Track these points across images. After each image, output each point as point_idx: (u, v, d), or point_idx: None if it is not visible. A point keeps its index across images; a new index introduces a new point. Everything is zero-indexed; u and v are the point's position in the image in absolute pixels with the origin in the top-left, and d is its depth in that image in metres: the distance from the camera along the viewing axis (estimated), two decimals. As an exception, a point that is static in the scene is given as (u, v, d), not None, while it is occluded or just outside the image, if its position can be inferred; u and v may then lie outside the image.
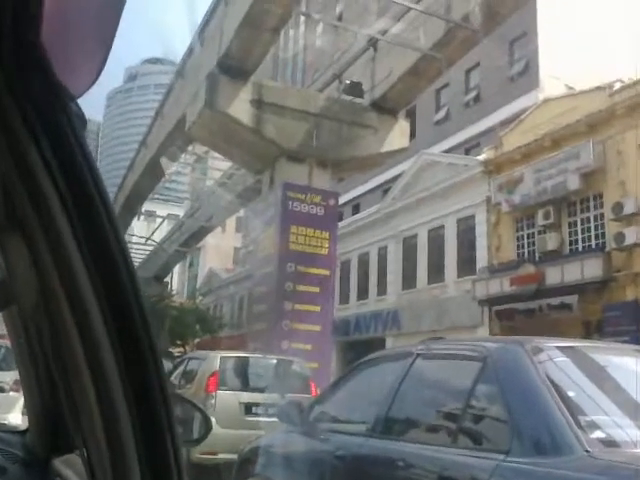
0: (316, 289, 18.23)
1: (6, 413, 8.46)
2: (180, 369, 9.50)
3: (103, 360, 0.70)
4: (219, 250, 45.47)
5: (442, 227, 23.05)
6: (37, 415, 1.34)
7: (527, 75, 23.83)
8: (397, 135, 19.50)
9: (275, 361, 9.37)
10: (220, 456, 7.38)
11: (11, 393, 8.69)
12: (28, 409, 1.39)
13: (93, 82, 0.71)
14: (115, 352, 0.70)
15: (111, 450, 0.69)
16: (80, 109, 0.72)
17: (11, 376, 8.86)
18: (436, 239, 23.33)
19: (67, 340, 0.72)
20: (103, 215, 0.72)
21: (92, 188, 0.71)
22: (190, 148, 28.84)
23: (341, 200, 24.70)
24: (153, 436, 0.70)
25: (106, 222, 0.72)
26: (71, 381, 0.76)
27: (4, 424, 7.61)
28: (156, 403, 0.71)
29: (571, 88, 20.98)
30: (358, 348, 23.63)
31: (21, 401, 8.52)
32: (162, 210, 48.74)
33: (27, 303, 0.79)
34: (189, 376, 9.05)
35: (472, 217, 21.70)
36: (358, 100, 18.78)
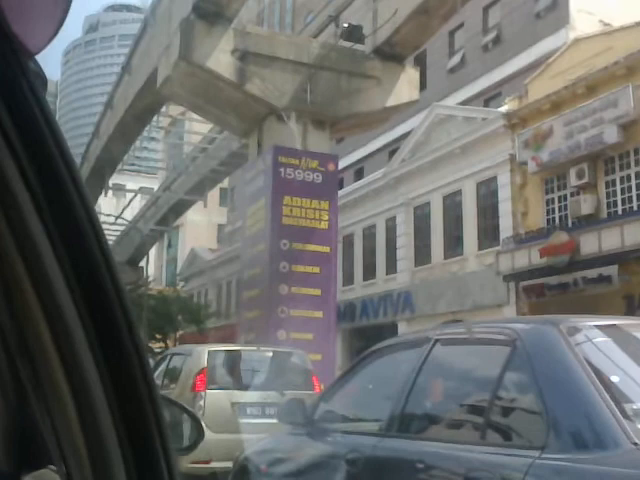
0: (316, 269, 18.28)
1: None
2: (162, 367, 9.55)
3: (80, 360, 0.69)
4: (201, 228, 45.52)
5: (459, 192, 23.06)
6: (2, 426, 1.35)
7: (555, 11, 23.56)
8: (405, 86, 19.37)
9: (271, 354, 9.42)
10: (213, 464, 7.46)
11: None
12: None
13: (53, 36, 0.70)
14: (93, 350, 0.70)
15: (94, 463, 0.69)
16: (40, 67, 0.71)
17: None
18: (452, 206, 23.35)
19: (36, 338, 0.71)
20: (71, 188, 0.71)
21: (58, 158, 0.70)
22: (164, 109, 28.68)
23: (341, 164, 24.54)
24: (142, 445, 0.70)
25: (75, 197, 0.71)
26: (43, 384, 0.75)
27: None
28: (144, 407, 0.71)
29: (607, 24, 20.79)
30: (366, 335, 23.80)
31: None
32: (133, 183, 48.72)
33: None
34: (173, 375, 9.11)
35: (494, 179, 21.70)
36: (358, 46, 18.64)
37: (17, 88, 0.68)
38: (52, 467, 1.29)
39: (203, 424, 1.74)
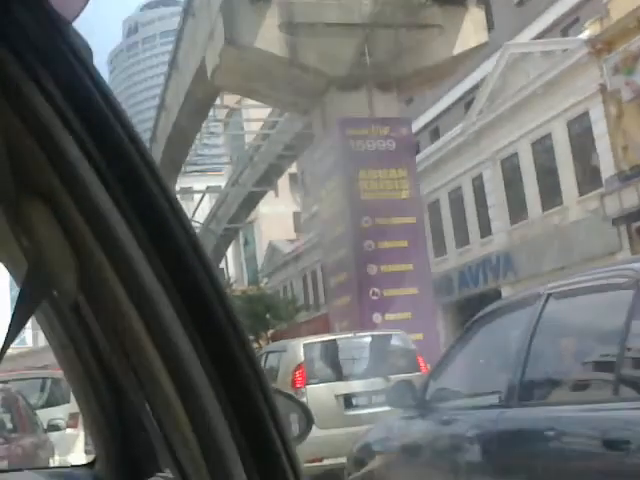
0: (404, 243, 18.31)
1: (65, 454, 8.67)
2: (258, 367, 9.73)
3: (184, 360, 0.68)
4: (276, 219, 46.00)
5: (549, 136, 22.50)
6: (104, 440, 1.38)
7: None
8: (470, 29, 19.10)
9: (370, 339, 9.55)
10: (326, 462, 7.59)
11: (68, 430, 8.87)
12: (92, 435, 1.43)
13: (86, 2, 0.69)
14: (197, 349, 0.68)
15: (212, 465, 0.68)
16: (80, 35, 0.70)
17: (65, 410, 9.03)
18: (544, 152, 22.81)
19: (133, 340, 0.70)
20: (145, 173, 0.69)
21: (123, 135, 0.68)
22: (218, 101, 29.12)
23: (414, 127, 24.26)
24: (261, 441, 0.69)
25: (151, 181, 0.69)
26: (147, 391, 0.75)
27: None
28: (256, 400, 0.69)
29: None
30: (468, 308, 23.41)
31: (81, 438, 8.87)
32: (199, 184, 49.67)
33: (69, 295, 0.78)
34: (270, 374, 9.27)
35: (586, 115, 21.05)
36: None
37: (64, 61, 0.66)
38: (161, 474, 1.33)
39: (311, 412, 1.76)
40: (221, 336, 0.69)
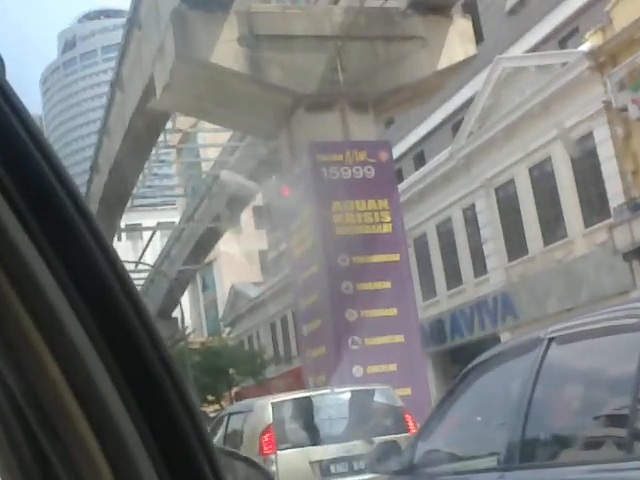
0: (387, 284, 18.28)
1: None
2: (220, 432, 9.65)
3: (118, 428, 0.69)
4: (239, 259, 45.99)
5: (548, 160, 22.78)
6: None
7: None
8: (456, 41, 19.31)
9: (350, 395, 9.50)
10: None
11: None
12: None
13: None
14: (127, 402, 0.69)
15: None
16: None
17: None
18: (543, 179, 23.06)
19: (60, 408, 0.71)
20: (77, 219, 0.71)
21: (42, 164, 0.70)
22: (169, 125, 29.18)
23: (396, 151, 24.35)
24: None
25: (85, 230, 0.71)
26: (75, 461, 0.75)
27: None
28: (198, 465, 0.71)
29: None
30: (462, 357, 23.22)
31: None
32: (149, 220, 49.51)
33: None
34: (234, 439, 9.21)
35: (589, 136, 21.34)
36: (391, 3, 18.68)
37: None
38: None
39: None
40: (170, 417, 0.71)
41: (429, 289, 27.35)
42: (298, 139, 19.13)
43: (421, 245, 27.71)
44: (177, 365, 0.73)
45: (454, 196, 26.26)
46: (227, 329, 45.51)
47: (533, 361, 3.47)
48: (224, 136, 31.20)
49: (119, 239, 35.54)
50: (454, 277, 26.79)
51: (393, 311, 18.29)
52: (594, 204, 21.38)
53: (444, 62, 19.19)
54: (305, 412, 9.01)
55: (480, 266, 25.47)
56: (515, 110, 23.23)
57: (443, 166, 26.49)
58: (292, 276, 21.86)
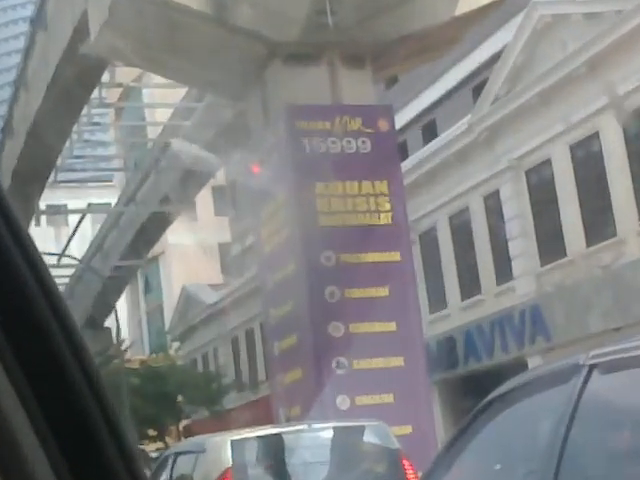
0: (383, 290, 18.23)
1: None
2: (163, 476, 9.60)
3: (19, 454, 0.71)
4: (192, 254, 45.72)
5: (595, 136, 22.75)
6: None
7: None
8: (481, -21, 19.29)
9: (332, 432, 9.47)
10: None
11: None
12: None
13: None
14: (41, 432, 0.71)
15: None
16: None
17: None
18: (588, 160, 23.02)
19: None
20: None
21: None
22: (106, 77, 29.04)
23: (400, 120, 24.05)
24: None
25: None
26: None
27: None
28: None
29: None
30: (478, 387, 22.92)
31: None
32: (77, 200, 49.25)
33: None
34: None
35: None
36: None
37: None
38: None
39: None
40: (100, 463, 0.74)
41: (438, 299, 27.21)
42: (273, 100, 19.09)
43: (429, 242, 27.58)
44: (108, 389, 0.75)
45: (473, 180, 26.04)
46: (175, 345, 45.34)
47: (569, 394, 3.49)
48: (177, 94, 30.82)
49: (37, 224, 35.14)
50: (470, 284, 26.61)
51: (391, 326, 18.29)
52: (653, 193, 21.36)
53: (464, 6, 19.22)
54: (274, 454, 8.98)
55: (504, 271, 25.28)
56: (554, 70, 23.13)
57: (460, 140, 26.24)
58: (261, 278, 21.83)
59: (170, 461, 9.99)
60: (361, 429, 9.69)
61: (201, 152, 26.75)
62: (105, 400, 0.76)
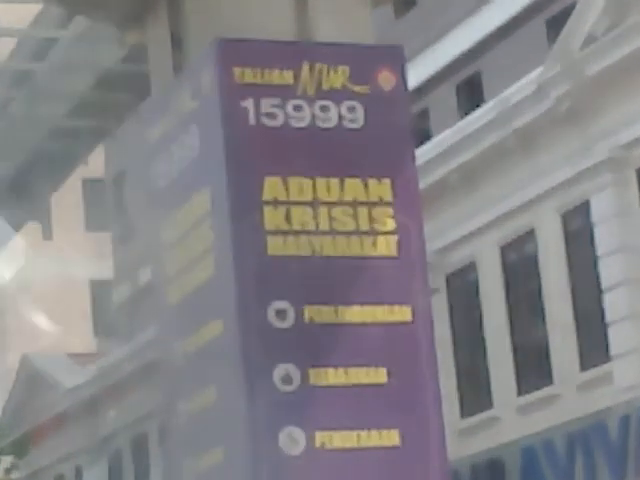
0: (378, 375, 12.52)
1: None
2: None
3: None
4: (41, 298, 38.42)
5: None
6: None
7: None
8: None
9: None
10: None
11: None
12: None
13: None
14: None
15: None
16: None
17: None
18: None
19: None
20: None
21: None
22: None
23: (420, 71, 21.73)
24: None
25: None
26: None
27: None
28: None
29: None
30: None
31: None
32: None
33: None
34: None
35: None
36: None
37: None
38: None
39: None
40: None
41: (475, 391, 22.58)
42: (193, 29, 12.95)
43: (464, 288, 23.08)
44: None
45: (545, 183, 21.38)
46: (6, 460, 37.91)
47: None
48: (26, 14, 24.76)
49: None
50: (534, 366, 21.29)
51: (391, 438, 12.10)
52: None
53: None
54: None
55: (595, 342, 20.00)
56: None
57: (523, 112, 21.56)
58: (163, 345, 16.24)
59: None
60: None
61: (63, 117, 21.16)
62: None
